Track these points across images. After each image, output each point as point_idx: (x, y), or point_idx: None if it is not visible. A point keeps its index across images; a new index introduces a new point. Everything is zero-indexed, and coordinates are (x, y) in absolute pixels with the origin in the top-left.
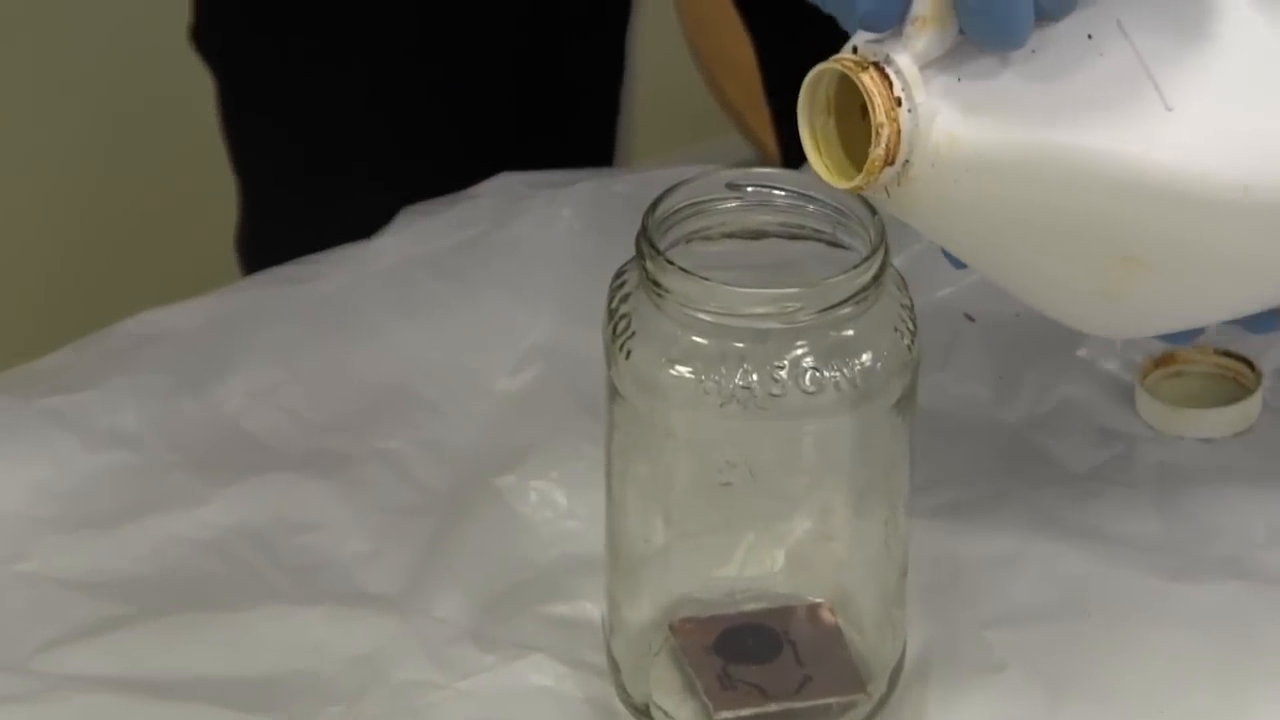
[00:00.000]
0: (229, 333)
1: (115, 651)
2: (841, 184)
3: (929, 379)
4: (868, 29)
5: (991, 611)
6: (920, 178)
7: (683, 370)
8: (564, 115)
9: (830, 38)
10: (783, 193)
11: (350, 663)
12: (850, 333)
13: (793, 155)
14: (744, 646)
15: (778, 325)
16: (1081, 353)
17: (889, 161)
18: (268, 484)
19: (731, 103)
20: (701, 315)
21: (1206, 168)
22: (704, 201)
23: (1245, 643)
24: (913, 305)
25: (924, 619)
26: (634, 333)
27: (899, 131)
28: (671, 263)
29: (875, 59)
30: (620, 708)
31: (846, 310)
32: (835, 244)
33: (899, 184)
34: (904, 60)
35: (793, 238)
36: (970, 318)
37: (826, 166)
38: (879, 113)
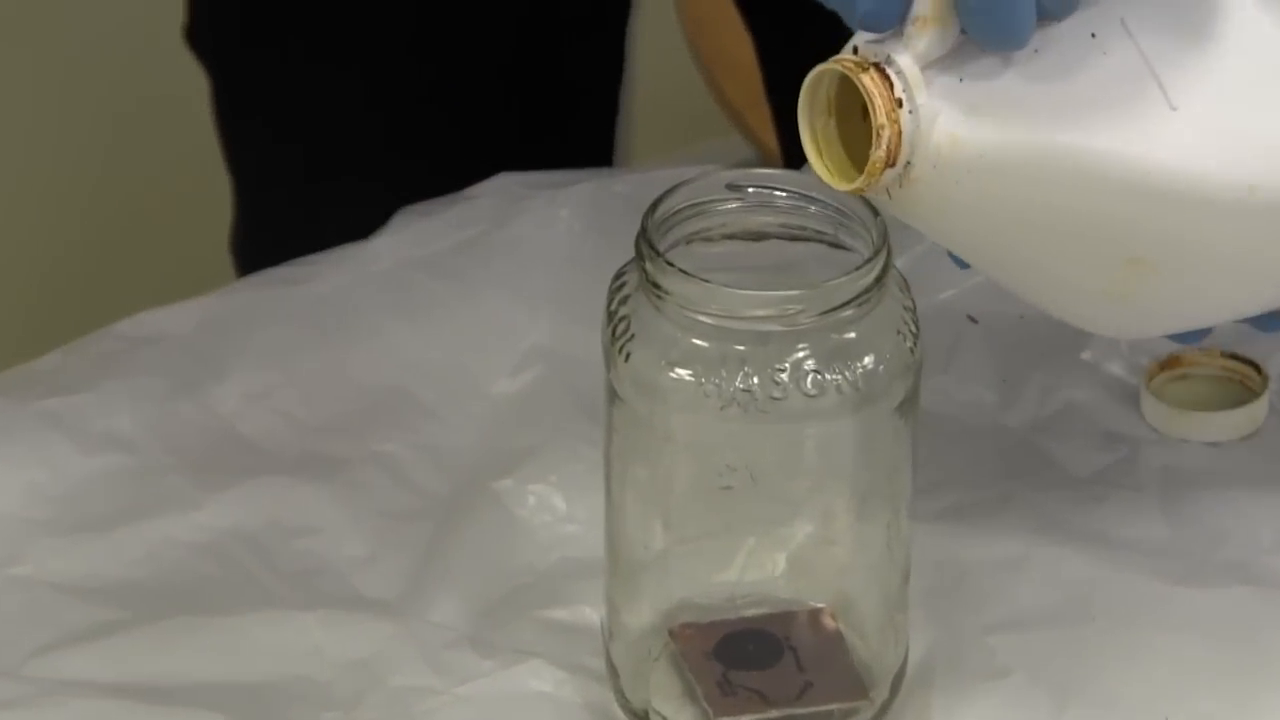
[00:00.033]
0: (224, 335)
1: (110, 656)
2: (843, 185)
3: (931, 381)
4: (868, 29)
5: (995, 616)
6: (922, 179)
7: (683, 373)
8: (563, 115)
9: (831, 37)
10: (784, 194)
11: (347, 668)
12: (852, 335)
13: (794, 156)
14: (744, 652)
15: (779, 328)
16: (1086, 355)
17: (890, 163)
18: (263, 487)
19: (732, 102)
20: (702, 317)
21: (1212, 168)
22: (704, 202)
23: (1252, 648)
24: (915, 307)
25: (927, 624)
26: (633, 335)
27: (900, 133)
28: (671, 264)
29: (876, 60)
30: (619, 714)
31: (848, 312)
32: (837, 245)
33: (901, 185)
34: (905, 61)
35: (794, 239)
36: (973, 320)
37: (827, 168)
38: (880, 114)
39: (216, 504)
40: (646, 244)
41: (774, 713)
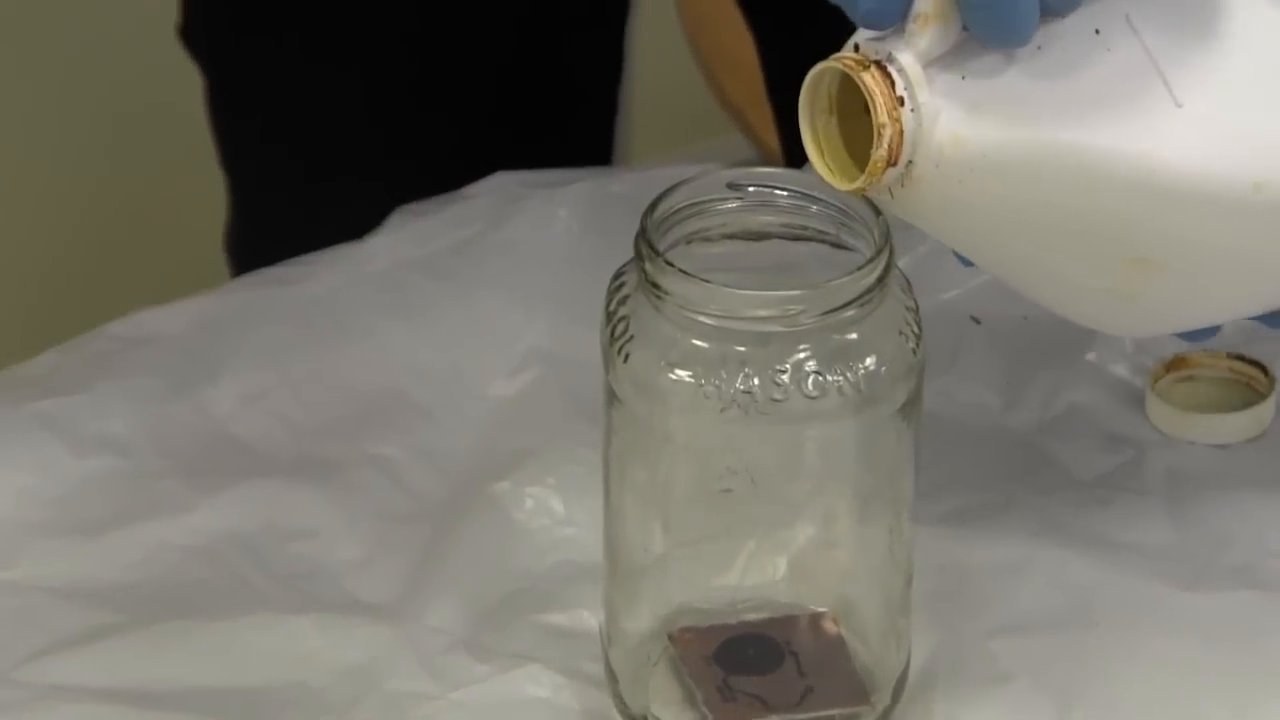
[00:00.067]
0: (218, 335)
1: (103, 661)
2: (844, 185)
3: (934, 383)
4: (869, 27)
5: (998, 621)
6: (924, 178)
7: (682, 374)
8: (563, 115)
9: (833, 35)
10: (785, 193)
11: (342, 673)
12: (854, 336)
13: (795, 155)
14: (745, 657)
15: (780, 328)
16: (1090, 357)
17: (892, 162)
18: (258, 490)
19: (732, 101)
20: (702, 318)
21: (1217, 166)
22: (704, 202)
23: (1258, 652)
24: (918, 308)
25: (929, 628)
26: (632, 336)
27: (902, 131)
28: (671, 264)
29: (877, 57)
30: (618, 719)
31: (850, 313)
32: (838, 245)
33: (903, 185)
34: (906, 58)
35: (795, 239)
36: (977, 321)
37: (829, 167)
38: (881, 113)
39: (210, 507)
40: (646, 244)
41: (775, 718)
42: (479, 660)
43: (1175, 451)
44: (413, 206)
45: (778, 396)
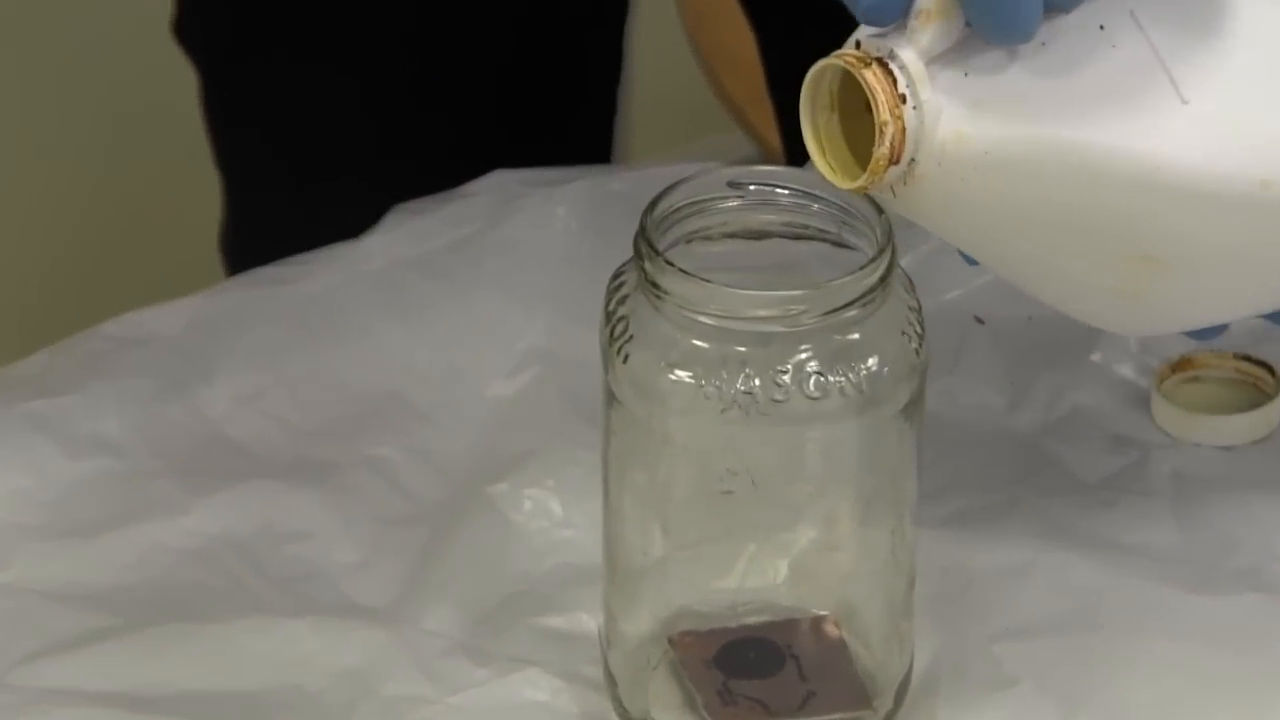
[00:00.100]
0: (213, 335)
1: (97, 664)
2: (846, 183)
3: (937, 384)
4: (870, 23)
5: (1002, 624)
6: (927, 176)
7: (682, 375)
8: (562, 113)
9: (834, 31)
10: (786, 191)
11: (339, 676)
12: (856, 336)
13: (796, 152)
14: (745, 660)
15: (781, 328)
16: (1095, 357)
17: (894, 160)
18: (253, 492)
19: (733, 98)
20: (702, 318)
21: (1224, 163)
22: (704, 200)
23: (1264, 656)
24: (920, 308)
25: (932, 632)
26: (632, 336)
27: (904, 129)
28: (671, 264)
29: (879, 54)
30: None
31: (852, 313)
32: (840, 244)
33: (905, 183)
34: (908, 55)
35: (796, 238)
36: (980, 321)
37: (830, 165)
38: (883, 110)
39: (205, 509)
40: (645, 243)
41: None
42: (477, 664)
43: (1181, 453)
44: (410, 205)
45: (779, 397)
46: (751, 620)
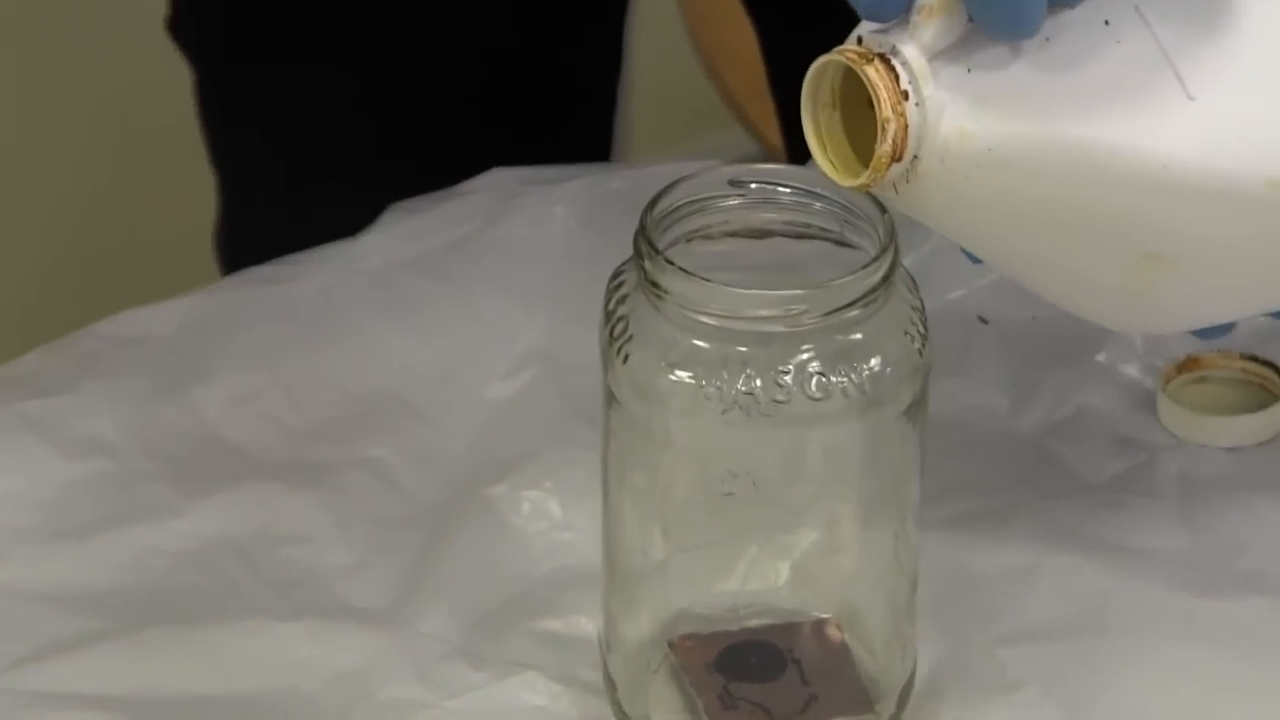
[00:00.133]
0: (208, 335)
1: (90, 668)
2: (847, 181)
3: (941, 385)
4: (872, 19)
5: (1006, 628)
6: (929, 174)
7: (683, 375)
8: (561, 111)
9: (837, 27)
10: (788, 189)
11: (335, 680)
12: (858, 336)
13: (798, 150)
14: (746, 664)
15: (782, 328)
16: (1100, 358)
17: (896, 158)
18: (249, 494)
19: (734, 95)
20: (702, 318)
21: (1230, 160)
22: (705, 199)
23: (1271, 660)
24: (924, 307)
25: (935, 635)
26: (632, 336)
27: (906, 126)
28: (671, 263)
29: (880, 50)
30: None
31: (854, 313)
32: (843, 243)
33: (907, 181)
34: (911, 51)
35: (798, 237)
36: (984, 321)
37: (832, 163)
38: (885, 107)
39: (200, 511)
40: (645, 242)
41: None
42: (474, 668)
43: (1187, 454)
44: (407, 204)
45: (780, 398)
46: (753, 623)
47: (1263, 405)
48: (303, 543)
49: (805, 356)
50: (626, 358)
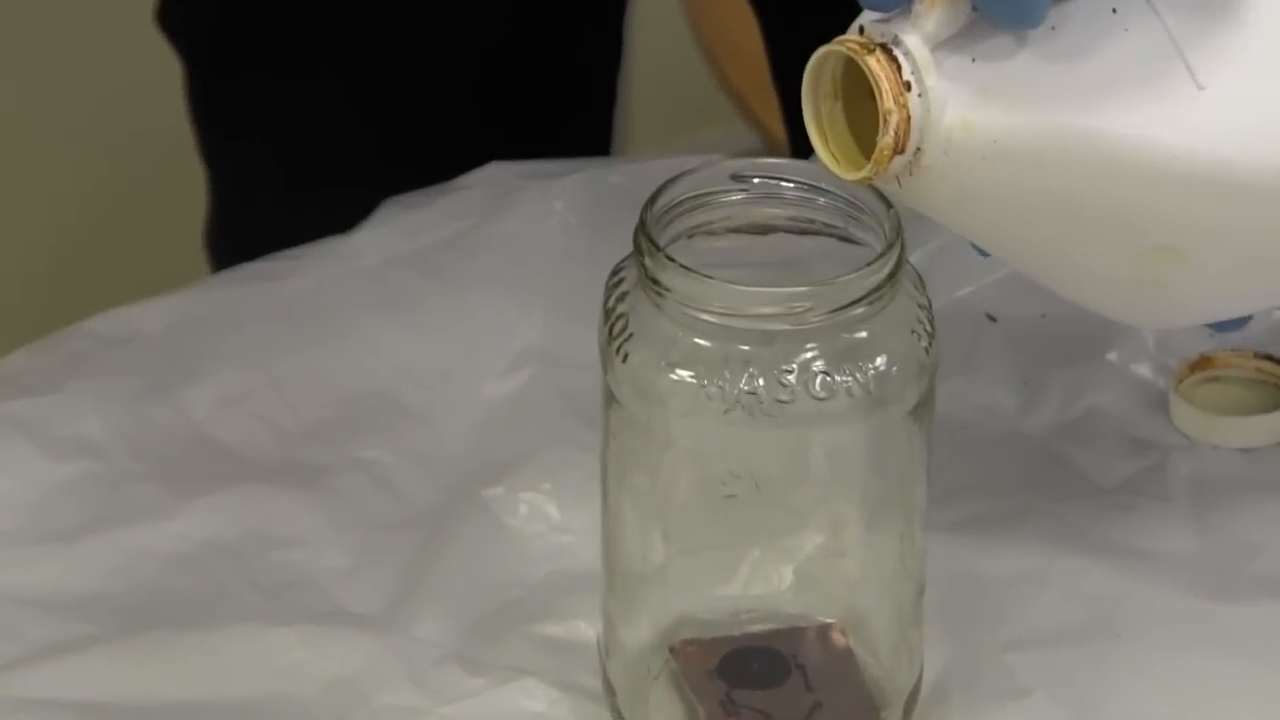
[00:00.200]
0: (198, 334)
1: (78, 673)
2: (849, 174)
3: (948, 384)
4: (874, 9)
5: (1014, 633)
6: (933, 166)
7: (684, 374)
8: (561, 104)
9: (838, 17)
10: (791, 184)
11: (329, 686)
12: (863, 335)
13: (801, 144)
14: (749, 670)
15: (786, 326)
16: (1111, 356)
17: (899, 150)
18: (240, 496)
19: (736, 88)
20: (704, 316)
21: (1241, 151)
22: (707, 194)
23: None
24: (930, 305)
25: (942, 641)
26: (632, 334)
27: (909, 118)
28: (672, 259)
29: (882, 40)
30: None
31: (859, 310)
32: (847, 239)
33: (911, 173)
34: (913, 41)
35: (802, 233)
36: (992, 319)
37: (833, 155)
38: (887, 98)
39: (191, 513)
40: (646, 238)
41: None
42: (471, 673)
43: (1200, 455)
44: (402, 199)
45: (784, 398)
46: (755, 628)
47: (1277, 405)
48: (296, 545)
49: (809, 355)
50: (626, 356)
